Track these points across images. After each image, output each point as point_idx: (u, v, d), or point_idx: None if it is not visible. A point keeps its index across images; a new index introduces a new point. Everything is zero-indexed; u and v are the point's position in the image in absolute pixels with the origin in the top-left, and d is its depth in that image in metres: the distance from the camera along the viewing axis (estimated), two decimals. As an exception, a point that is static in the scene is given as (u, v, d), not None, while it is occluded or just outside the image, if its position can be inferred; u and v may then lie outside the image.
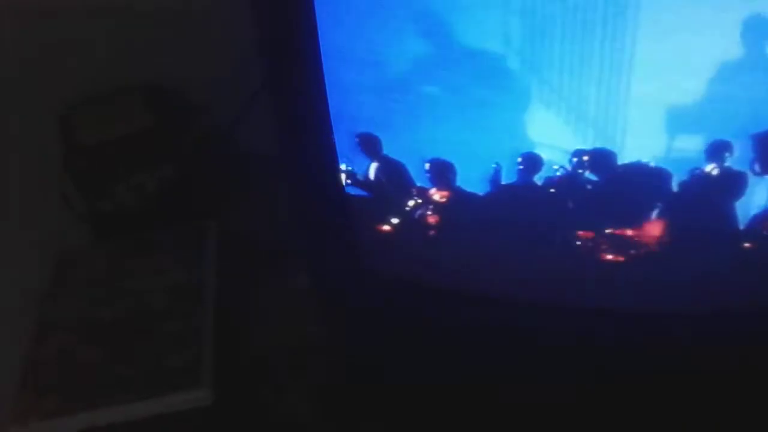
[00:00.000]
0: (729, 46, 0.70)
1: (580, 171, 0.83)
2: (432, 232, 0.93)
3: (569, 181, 0.84)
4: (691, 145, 0.77)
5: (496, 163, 0.85)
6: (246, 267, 1.14)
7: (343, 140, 0.89)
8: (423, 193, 0.90)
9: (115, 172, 1.18)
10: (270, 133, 0.90)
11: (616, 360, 0.88)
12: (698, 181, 0.78)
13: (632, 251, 0.85)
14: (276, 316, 1.08)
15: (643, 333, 0.88)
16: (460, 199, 0.89)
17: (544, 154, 0.83)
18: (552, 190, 0.85)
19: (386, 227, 0.94)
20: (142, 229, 1.20)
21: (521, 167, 0.85)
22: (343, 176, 0.91)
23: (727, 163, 0.76)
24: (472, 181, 0.88)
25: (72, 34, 1.15)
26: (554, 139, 0.82)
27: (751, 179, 0.76)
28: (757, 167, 0.75)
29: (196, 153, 1.21)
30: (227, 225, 1.19)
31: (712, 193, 0.78)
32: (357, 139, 0.89)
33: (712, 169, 0.77)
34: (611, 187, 0.83)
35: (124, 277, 1.13)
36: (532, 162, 0.84)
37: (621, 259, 0.85)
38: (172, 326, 1.02)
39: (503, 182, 0.86)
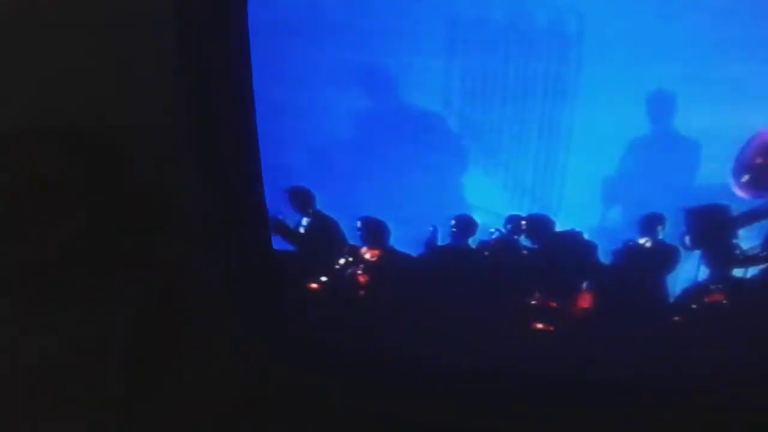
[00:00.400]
0: (663, 125, 0.73)
1: (515, 236, 0.83)
2: (361, 292, 0.90)
3: (504, 246, 0.83)
4: (625, 217, 0.78)
5: (433, 226, 0.84)
6: (164, 323, 1.08)
7: (275, 195, 0.86)
8: (354, 251, 0.88)
9: (21, 220, 1.10)
10: (197, 183, 0.86)
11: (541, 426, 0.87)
12: (631, 253, 0.79)
13: (562, 320, 0.84)
14: (196, 374, 1.02)
15: (571, 400, 0.87)
16: (391, 259, 0.87)
17: (480, 218, 0.83)
18: (486, 254, 0.85)
19: (314, 285, 0.91)
20: (50, 281, 1.12)
21: (455, 229, 0.84)
22: (271, 228, 0.88)
23: (659, 237, 0.78)
24: (405, 241, 0.86)
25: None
26: (490, 203, 0.82)
27: (682, 254, 0.77)
28: (687, 242, 0.77)
29: (114, 203, 1.14)
30: (144, 279, 1.12)
31: (645, 266, 0.79)
32: (288, 194, 0.87)
33: (645, 242, 0.78)
34: (545, 254, 0.83)
35: (23, 332, 1.04)
36: (467, 224, 0.84)
37: (551, 328, 0.85)
38: (76, 387, 0.94)
39: (438, 243, 0.85)
